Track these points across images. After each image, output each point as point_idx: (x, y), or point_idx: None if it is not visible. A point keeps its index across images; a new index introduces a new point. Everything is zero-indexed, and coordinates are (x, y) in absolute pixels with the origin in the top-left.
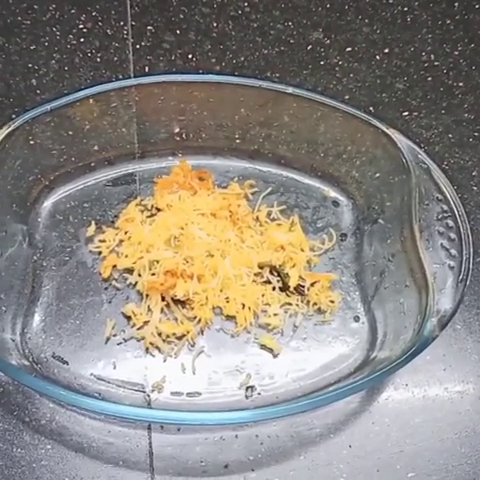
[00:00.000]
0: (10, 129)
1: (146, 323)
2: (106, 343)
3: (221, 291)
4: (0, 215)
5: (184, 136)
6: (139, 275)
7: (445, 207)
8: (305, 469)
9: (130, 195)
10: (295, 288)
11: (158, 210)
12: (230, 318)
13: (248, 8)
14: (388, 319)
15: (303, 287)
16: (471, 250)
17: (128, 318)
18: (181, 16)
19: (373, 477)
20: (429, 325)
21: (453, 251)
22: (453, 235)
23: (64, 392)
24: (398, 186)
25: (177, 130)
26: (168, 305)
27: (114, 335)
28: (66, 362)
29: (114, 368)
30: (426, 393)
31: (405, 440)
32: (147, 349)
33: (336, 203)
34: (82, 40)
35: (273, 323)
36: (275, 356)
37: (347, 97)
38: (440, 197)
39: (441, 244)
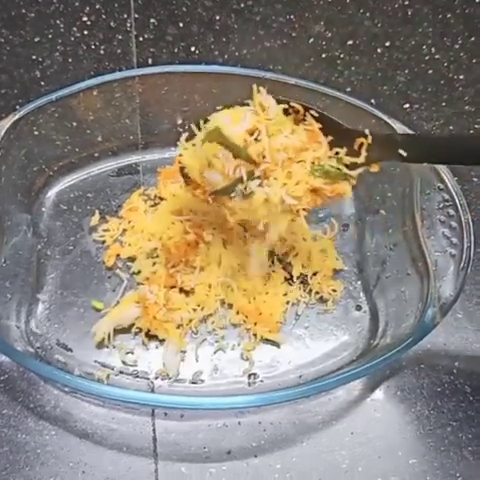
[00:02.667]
0: (15, 118)
1: (150, 311)
2: None
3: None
4: (5, 204)
5: (187, 127)
6: (142, 263)
7: (446, 196)
8: (307, 456)
9: (133, 185)
10: (297, 277)
11: (161, 199)
12: (233, 307)
13: (250, 1)
14: (390, 307)
15: (306, 276)
16: (472, 239)
17: None
18: (184, 9)
19: (375, 463)
20: (430, 312)
21: (454, 239)
22: (454, 224)
23: (70, 377)
24: (399, 177)
25: (180, 121)
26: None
27: None
28: (70, 349)
29: (118, 355)
30: (427, 381)
31: (406, 427)
32: (151, 336)
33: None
34: (86, 32)
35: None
36: (278, 344)
37: (349, 89)
38: (441, 186)
39: (442, 233)
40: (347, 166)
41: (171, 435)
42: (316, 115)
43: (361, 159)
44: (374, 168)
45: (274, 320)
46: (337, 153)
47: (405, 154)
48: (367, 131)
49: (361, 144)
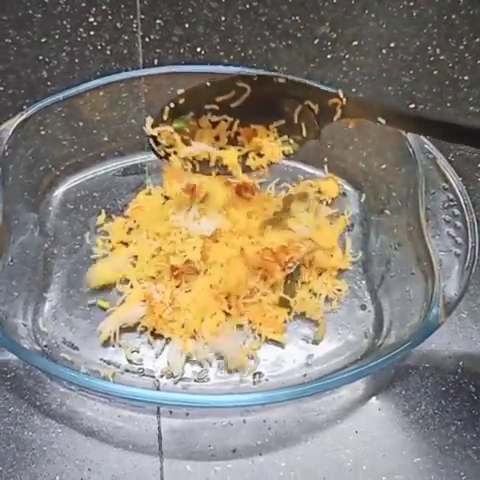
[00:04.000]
0: (22, 118)
1: (156, 310)
2: None
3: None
4: (12, 204)
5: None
6: (147, 262)
7: (451, 196)
8: (312, 454)
9: (139, 185)
10: (303, 282)
11: (167, 199)
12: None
13: (256, 2)
14: (394, 307)
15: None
16: (477, 238)
17: None
18: (190, 10)
19: (379, 462)
20: (435, 311)
21: (459, 239)
22: (459, 223)
23: (77, 374)
24: (404, 177)
25: None
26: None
27: None
28: (76, 347)
29: (124, 354)
30: (432, 380)
31: (411, 426)
32: (156, 335)
33: (343, 194)
34: (92, 33)
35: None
36: (282, 344)
37: (354, 90)
38: (446, 186)
39: (447, 232)
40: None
41: (176, 433)
42: (283, 81)
43: (337, 116)
44: (351, 124)
45: (279, 322)
46: (309, 106)
47: (384, 122)
48: (340, 92)
49: (336, 103)
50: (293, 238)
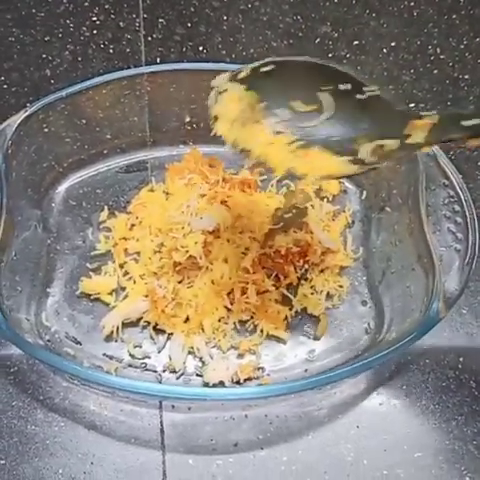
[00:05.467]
0: (26, 115)
1: (158, 305)
2: None
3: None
4: (15, 200)
5: (195, 125)
6: (149, 258)
7: (451, 192)
8: (313, 448)
9: (142, 181)
10: (306, 279)
11: (169, 195)
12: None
13: (258, 2)
14: (395, 303)
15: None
16: (477, 235)
17: None
18: (192, 9)
19: (380, 457)
20: (435, 306)
21: (459, 235)
22: (459, 219)
23: (80, 368)
24: (405, 174)
25: (188, 119)
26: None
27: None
28: (79, 342)
29: (126, 349)
30: (432, 375)
31: (411, 421)
32: (159, 330)
33: (344, 191)
34: (95, 32)
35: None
36: (284, 340)
37: None
38: (446, 182)
39: (448, 228)
40: None
41: (178, 427)
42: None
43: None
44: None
45: (280, 318)
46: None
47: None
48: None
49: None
50: (308, 240)
